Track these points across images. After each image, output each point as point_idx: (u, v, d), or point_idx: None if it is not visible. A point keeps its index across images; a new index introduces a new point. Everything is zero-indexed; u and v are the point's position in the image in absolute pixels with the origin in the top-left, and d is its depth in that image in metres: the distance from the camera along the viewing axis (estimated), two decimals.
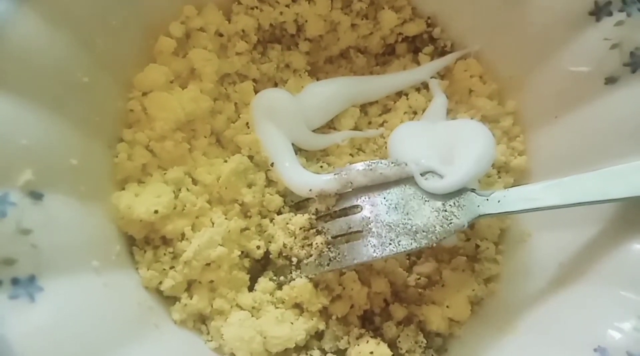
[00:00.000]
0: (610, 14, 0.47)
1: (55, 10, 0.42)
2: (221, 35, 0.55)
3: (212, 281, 0.49)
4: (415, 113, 0.59)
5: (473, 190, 0.49)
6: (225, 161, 0.52)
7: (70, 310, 0.38)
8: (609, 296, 0.43)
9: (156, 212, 0.46)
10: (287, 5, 0.57)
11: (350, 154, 0.57)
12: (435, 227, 0.46)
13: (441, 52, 0.61)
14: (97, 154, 0.47)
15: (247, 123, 0.54)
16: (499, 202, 0.48)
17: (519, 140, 0.57)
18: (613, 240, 0.45)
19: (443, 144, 0.51)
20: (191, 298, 0.48)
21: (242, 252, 0.51)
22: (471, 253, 0.55)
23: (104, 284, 0.42)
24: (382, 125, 0.59)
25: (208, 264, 0.48)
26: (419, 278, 0.53)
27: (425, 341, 0.50)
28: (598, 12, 0.48)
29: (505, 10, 0.54)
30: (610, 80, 0.47)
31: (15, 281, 0.35)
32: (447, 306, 0.51)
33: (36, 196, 0.39)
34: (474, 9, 0.56)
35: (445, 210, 0.47)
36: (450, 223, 0.47)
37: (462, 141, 0.50)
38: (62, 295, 0.37)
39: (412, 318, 0.52)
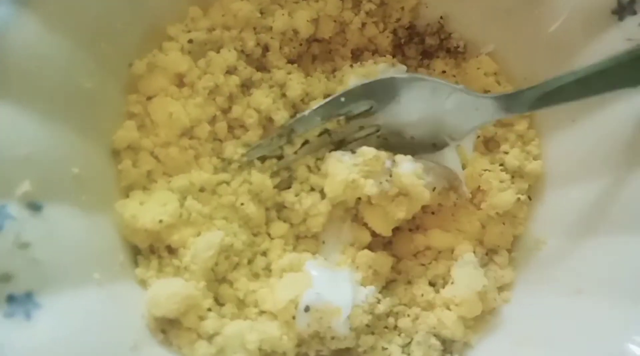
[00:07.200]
0: (634, 12, 0.45)
1: (58, 14, 0.41)
2: None
3: None
4: None
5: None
6: None
7: (70, 326, 0.36)
8: (629, 309, 0.41)
9: (161, 221, 0.45)
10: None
11: None
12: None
13: (453, 53, 0.59)
14: (100, 162, 0.46)
15: None
16: None
17: (534, 144, 0.55)
18: (633, 251, 0.44)
19: None
20: None
21: None
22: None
23: (106, 297, 0.41)
24: None
25: None
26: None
27: (439, 343, 0.48)
28: (621, 11, 0.46)
29: (521, 9, 0.52)
30: None
31: (10, 299, 0.34)
32: (457, 304, 0.49)
33: (35, 207, 0.38)
34: (487, 8, 0.55)
35: None
36: None
37: None
38: (61, 312, 0.36)
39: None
